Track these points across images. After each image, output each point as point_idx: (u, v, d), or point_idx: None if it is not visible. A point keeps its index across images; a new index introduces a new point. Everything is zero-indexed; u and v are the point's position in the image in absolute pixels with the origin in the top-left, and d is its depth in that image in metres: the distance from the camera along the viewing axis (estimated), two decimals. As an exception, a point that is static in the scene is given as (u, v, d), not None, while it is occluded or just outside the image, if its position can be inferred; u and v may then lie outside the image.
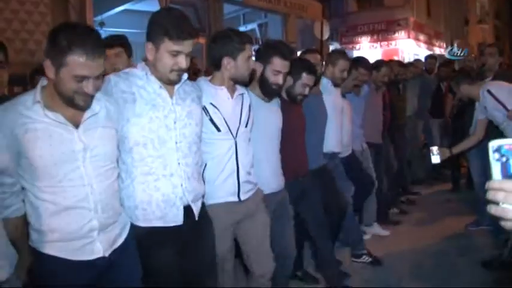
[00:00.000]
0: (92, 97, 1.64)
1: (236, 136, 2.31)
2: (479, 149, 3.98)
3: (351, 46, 16.27)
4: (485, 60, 4.59)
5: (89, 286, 1.72)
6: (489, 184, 0.83)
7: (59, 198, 1.62)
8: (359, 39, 16.32)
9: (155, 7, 8.66)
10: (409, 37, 15.62)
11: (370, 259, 3.79)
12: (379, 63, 4.67)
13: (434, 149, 4.19)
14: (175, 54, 1.88)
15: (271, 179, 2.65)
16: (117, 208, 1.83)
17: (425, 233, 4.54)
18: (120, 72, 2.01)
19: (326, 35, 11.90)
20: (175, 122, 1.97)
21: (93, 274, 1.72)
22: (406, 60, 16.13)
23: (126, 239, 1.85)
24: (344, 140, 3.75)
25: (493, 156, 0.83)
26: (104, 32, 8.58)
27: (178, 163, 1.97)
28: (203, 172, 2.23)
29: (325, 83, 3.52)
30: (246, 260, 2.49)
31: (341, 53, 3.69)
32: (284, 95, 2.90)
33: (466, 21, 21.89)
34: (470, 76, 3.94)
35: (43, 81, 1.65)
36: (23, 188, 1.67)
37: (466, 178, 5.90)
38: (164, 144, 1.94)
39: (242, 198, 2.34)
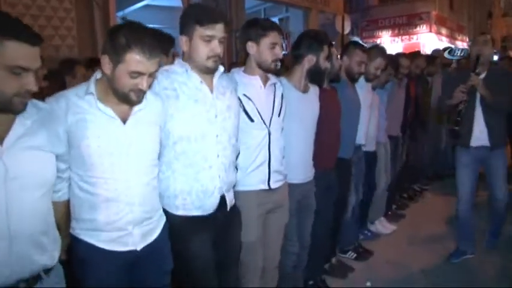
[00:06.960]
0: (144, 93, 1.69)
1: (269, 126, 2.34)
2: None
3: (371, 40, 16.03)
4: (480, 50, 3.38)
5: (119, 275, 1.76)
6: None
7: (100, 190, 1.67)
8: (380, 33, 16.10)
9: (176, 2, 8.69)
10: (430, 31, 15.32)
11: (355, 255, 3.80)
12: (401, 58, 4.55)
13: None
14: (208, 39, 1.91)
15: (300, 170, 2.65)
16: (155, 204, 1.87)
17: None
18: (161, 69, 2.03)
19: (347, 30, 11.78)
20: (216, 116, 2.01)
21: (124, 265, 1.77)
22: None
23: (160, 235, 1.87)
24: (370, 133, 3.77)
25: None
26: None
27: (218, 155, 2.01)
28: (236, 159, 2.25)
29: None
30: None
31: (380, 51, 3.65)
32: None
33: (489, 15, 21.40)
34: None
35: (97, 75, 1.70)
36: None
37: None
38: (205, 138, 1.98)
39: (272, 186, 2.37)
